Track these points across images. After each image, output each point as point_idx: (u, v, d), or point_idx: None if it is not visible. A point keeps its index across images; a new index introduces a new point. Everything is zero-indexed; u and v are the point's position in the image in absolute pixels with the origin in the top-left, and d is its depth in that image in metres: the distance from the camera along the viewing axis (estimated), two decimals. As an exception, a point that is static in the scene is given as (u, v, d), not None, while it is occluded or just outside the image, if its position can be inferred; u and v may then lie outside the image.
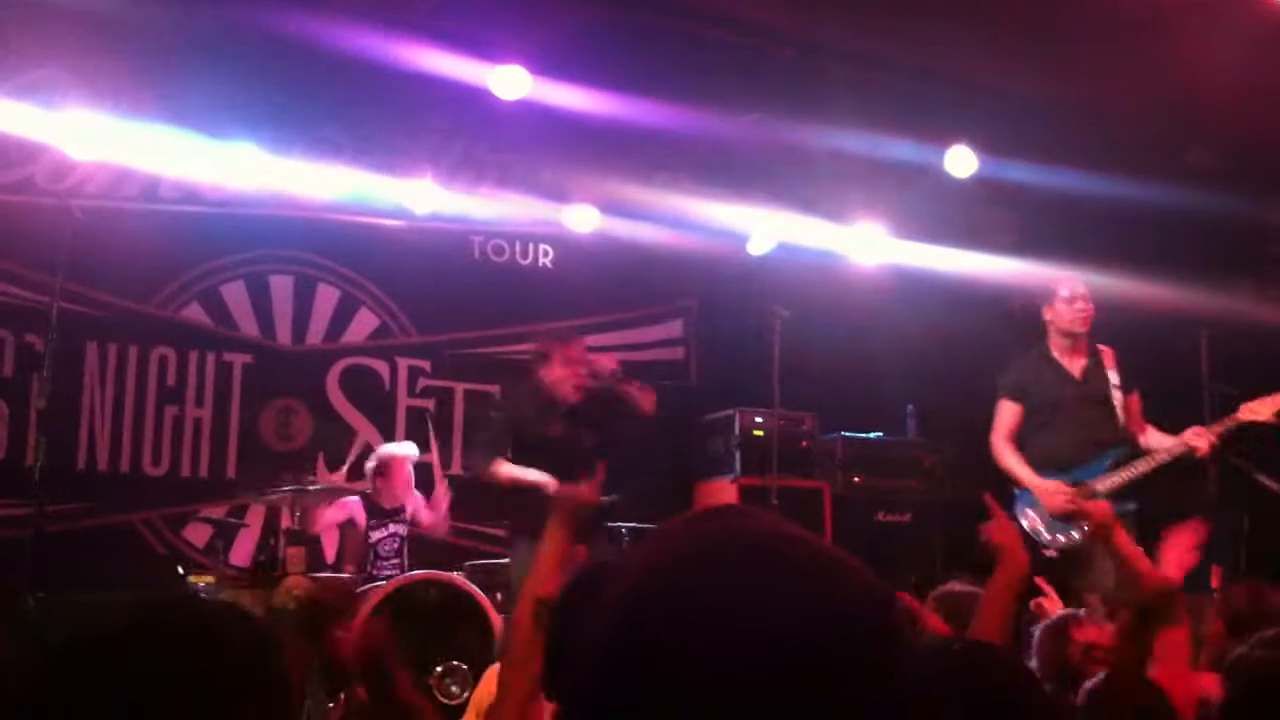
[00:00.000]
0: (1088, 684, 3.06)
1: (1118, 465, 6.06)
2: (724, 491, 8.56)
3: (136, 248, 8.30)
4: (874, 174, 8.50)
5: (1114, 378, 6.28)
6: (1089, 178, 7.86)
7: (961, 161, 8.34)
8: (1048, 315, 6.33)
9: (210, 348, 8.66)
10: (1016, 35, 6.96)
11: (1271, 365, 6.84)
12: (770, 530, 1.10)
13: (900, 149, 8.20)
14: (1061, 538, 5.99)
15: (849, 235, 9.10)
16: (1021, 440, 6.27)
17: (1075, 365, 6.31)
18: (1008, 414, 6.31)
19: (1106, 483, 6.00)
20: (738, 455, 8.58)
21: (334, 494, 7.48)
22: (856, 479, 8.85)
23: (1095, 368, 6.30)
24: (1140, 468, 6.02)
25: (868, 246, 9.11)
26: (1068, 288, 6.29)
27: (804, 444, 8.70)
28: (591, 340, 9.47)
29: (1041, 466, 6.13)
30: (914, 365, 8.93)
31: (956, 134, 8.27)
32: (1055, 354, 6.33)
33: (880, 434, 9.11)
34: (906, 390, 9.26)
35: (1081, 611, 4.18)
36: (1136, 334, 6.74)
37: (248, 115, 7.87)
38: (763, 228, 9.13)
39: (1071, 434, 6.17)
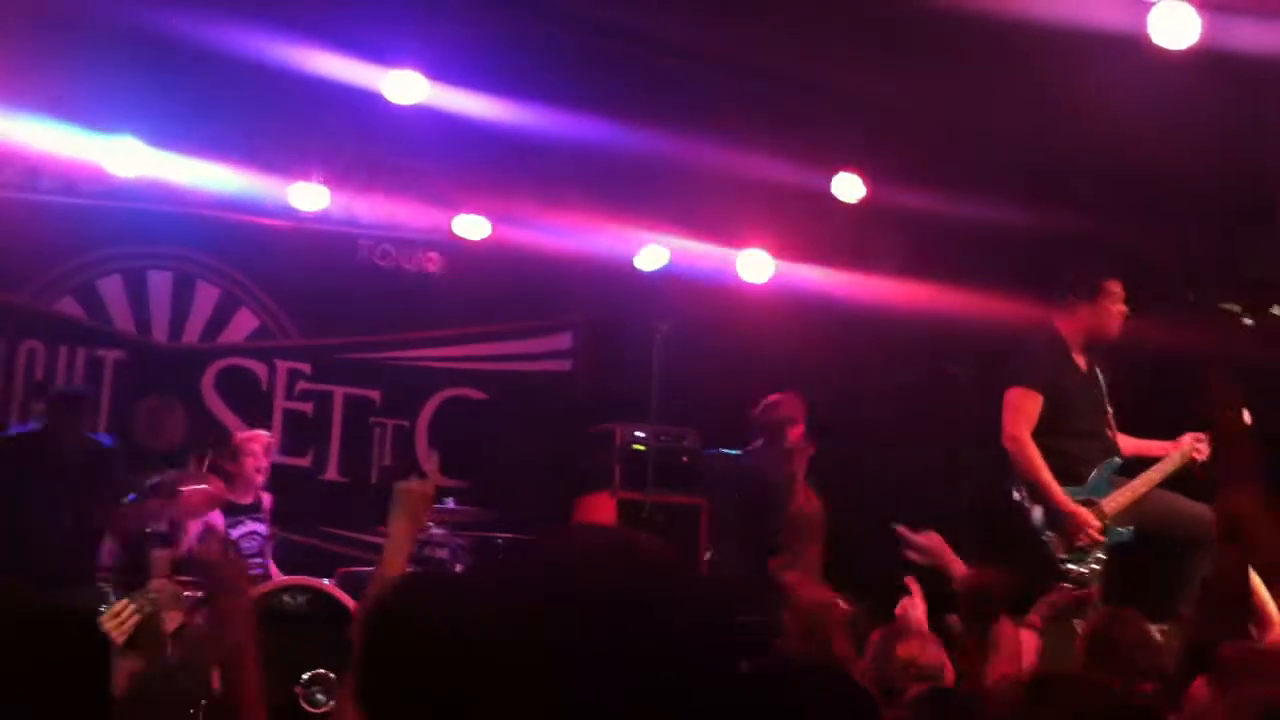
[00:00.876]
0: (909, 698, 3.12)
1: (1116, 479, 5.78)
2: (603, 505, 8.56)
3: (11, 238, 8.06)
4: (762, 195, 8.59)
5: (1103, 380, 6.03)
6: (975, 203, 8.02)
7: (849, 186, 8.46)
8: (1083, 310, 5.91)
9: (82, 343, 8.43)
10: (908, 61, 7.08)
11: (1160, 386, 6.93)
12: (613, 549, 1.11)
13: (789, 172, 8.29)
14: (1083, 570, 5.56)
15: (737, 255, 9.17)
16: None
17: (1083, 364, 5.97)
18: (1032, 408, 5.74)
19: (1112, 504, 5.69)
20: (618, 469, 8.59)
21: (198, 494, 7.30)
22: (737, 495, 8.90)
23: (1093, 368, 6.02)
24: (1140, 487, 5.75)
25: (755, 266, 9.19)
26: (1119, 286, 5.90)
27: (684, 459, 8.74)
28: (477, 350, 9.47)
29: (1060, 478, 5.68)
30: (799, 385, 9.02)
31: (845, 158, 8.39)
32: (1071, 351, 5.94)
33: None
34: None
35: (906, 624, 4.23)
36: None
37: (132, 108, 7.70)
38: (652, 244, 9.16)
39: (1085, 443, 5.83)
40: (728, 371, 9.08)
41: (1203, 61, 5.72)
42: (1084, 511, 5.58)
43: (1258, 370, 5.68)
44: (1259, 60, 4.24)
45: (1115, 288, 5.92)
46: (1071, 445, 5.79)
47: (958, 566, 3.51)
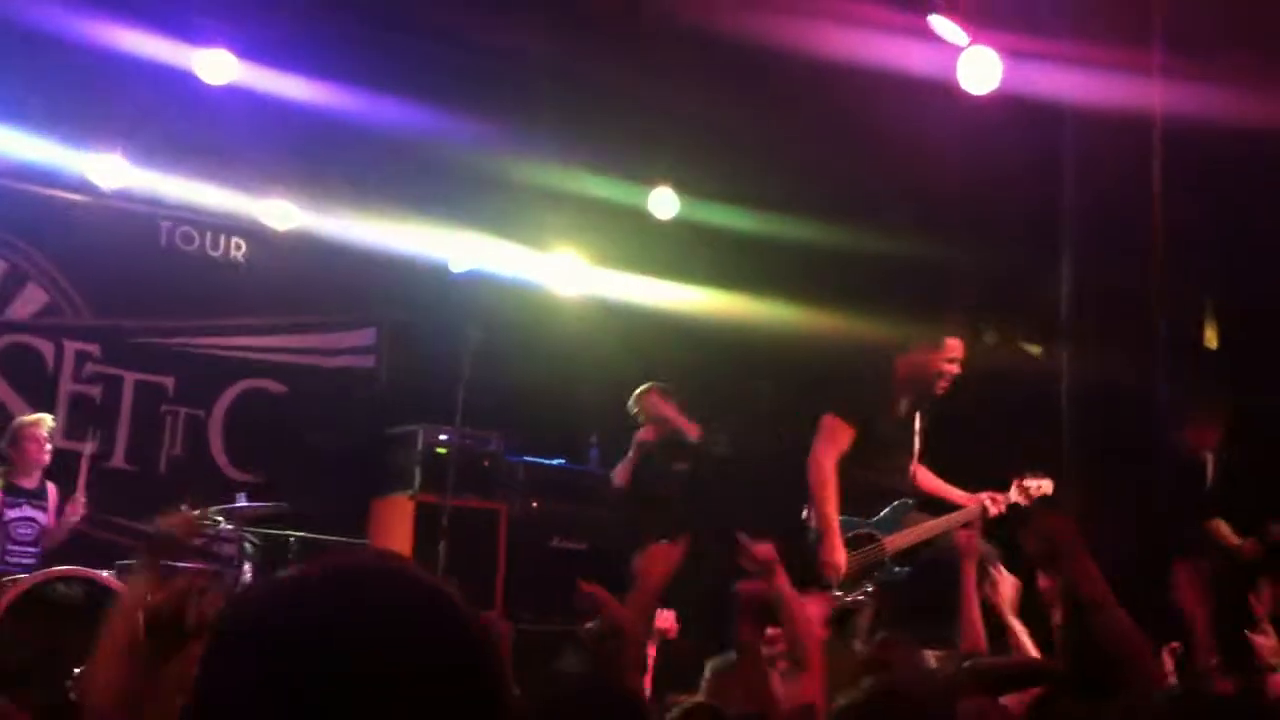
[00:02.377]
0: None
1: (909, 518, 5.94)
2: (401, 507, 8.46)
3: None
4: (578, 206, 8.63)
5: (919, 424, 6.17)
6: (789, 223, 8.21)
7: (664, 202, 8.57)
8: (921, 358, 6.02)
9: None
10: (729, 86, 7.22)
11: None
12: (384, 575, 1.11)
13: (606, 185, 8.36)
14: (850, 597, 5.70)
15: (549, 263, 9.18)
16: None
17: (904, 407, 6.11)
18: (844, 439, 5.90)
19: (895, 542, 5.87)
20: (418, 471, 8.50)
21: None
22: (535, 503, 8.90)
23: (913, 412, 6.15)
24: (927, 532, 5.88)
25: (567, 275, 9.22)
26: (955, 351, 5.99)
27: (485, 464, 8.69)
28: (279, 341, 9.23)
29: (852, 508, 5.85)
30: (607, 395, 9.08)
31: (662, 174, 8.49)
32: (897, 393, 6.07)
33: (563, 461, 9.20)
34: (596, 419, 9.39)
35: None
36: (831, 367, 6.96)
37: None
38: (465, 246, 9.09)
39: (884, 478, 5.98)
40: (537, 379, 9.08)
41: (1005, 103, 5.98)
42: (837, 554, 5.73)
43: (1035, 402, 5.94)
44: (1052, 103, 4.49)
45: (955, 346, 6.02)
46: (871, 477, 5.93)
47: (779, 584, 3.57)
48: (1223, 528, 6.66)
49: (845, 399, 6.06)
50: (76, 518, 7.09)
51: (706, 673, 4.07)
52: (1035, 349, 6.79)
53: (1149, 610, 4.16)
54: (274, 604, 1.08)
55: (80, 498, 7.09)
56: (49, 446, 7.14)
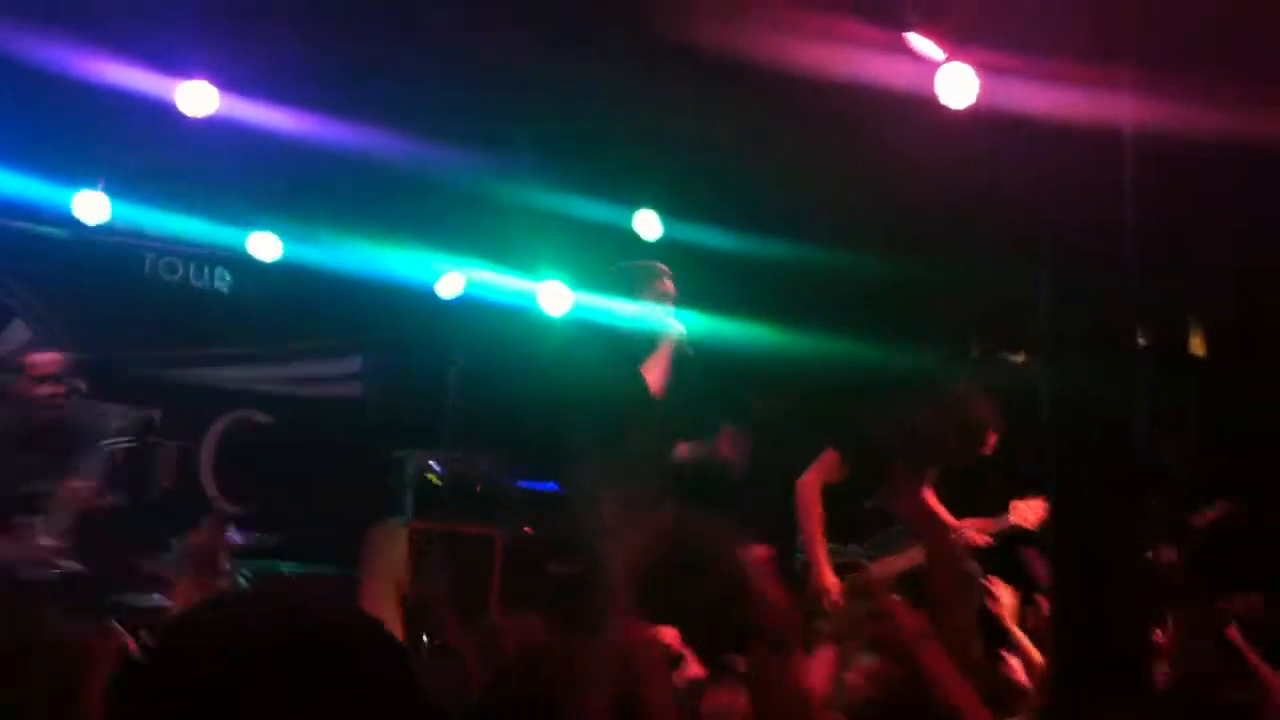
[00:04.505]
0: None
1: (894, 543, 6.02)
2: (394, 534, 8.43)
3: None
4: (563, 228, 8.63)
5: None
6: (774, 241, 8.22)
7: (648, 224, 8.58)
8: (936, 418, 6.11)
9: None
10: (713, 103, 7.24)
11: None
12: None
13: (591, 207, 8.37)
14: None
15: (537, 286, 9.18)
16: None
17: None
18: (839, 473, 6.05)
19: (883, 570, 5.97)
20: (410, 497, 8.47)
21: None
22: (528, 528, 8.87)
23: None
24: (914, 559, 5.87)
25: (555, 298, 9.21)
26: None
27: (478, 488, 8.67)
28: (266, 371, 9.22)
29: (844, 533, 5.97)
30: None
31: (645, 196, 8.50)
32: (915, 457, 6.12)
33: (556, 484, 9.18)
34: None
35: None
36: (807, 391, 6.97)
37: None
38: (452, 271, 9.09)
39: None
40: (526, 402, 9.06)
41: (982, 118, 6.01)
42: (828, 579, 5.77)
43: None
44: (1029, 118, 4.54)
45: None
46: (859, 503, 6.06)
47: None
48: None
49: (856, 447, 6.09)
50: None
51: None
52: (1019, 358, 6.81)
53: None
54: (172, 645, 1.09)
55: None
56: None
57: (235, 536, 7.41)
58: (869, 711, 3.33)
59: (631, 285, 6.14)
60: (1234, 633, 4.77)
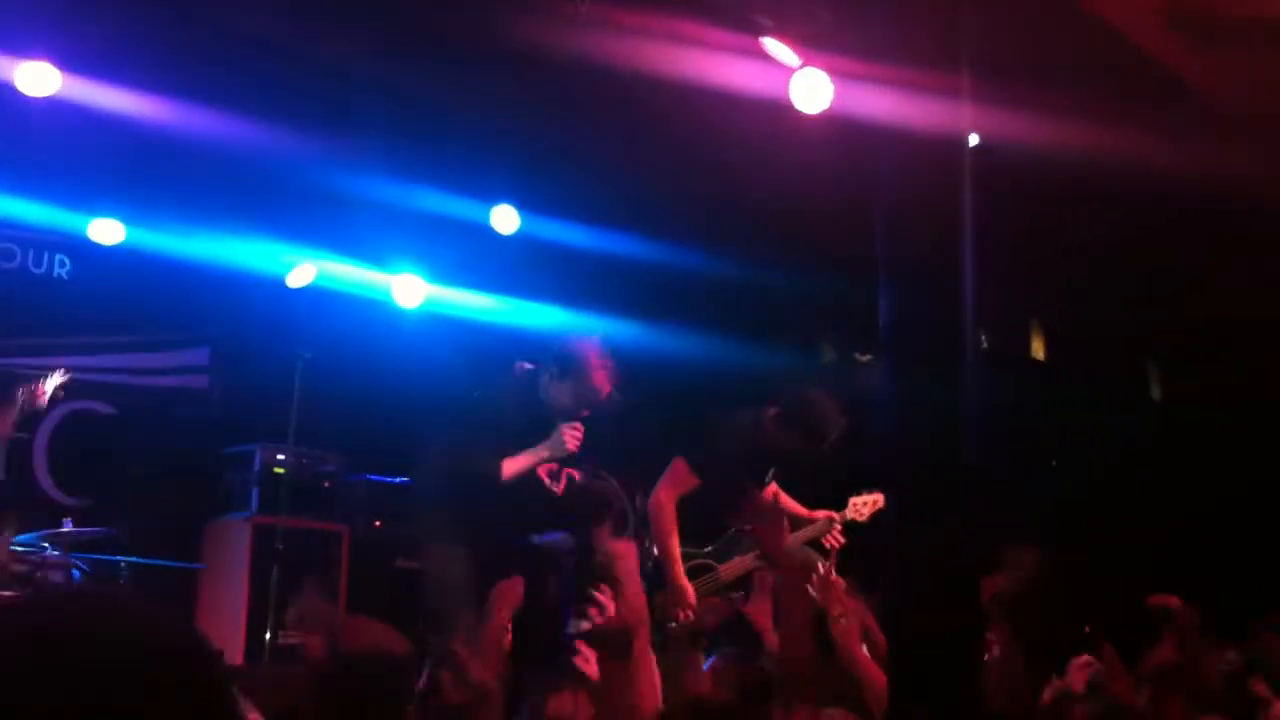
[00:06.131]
0: None
1: (738, 546, 6.13)
2: (237, 530, 8.26)
3: None
4: (417, 221, 8.56)
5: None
6: (629, 240, 8.27)
7: (506, 219, 8.56)
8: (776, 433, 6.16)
9: None
10: (566, 105, 7.25)
11: None
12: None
13: (446, 201, 8.32)
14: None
15: (389, 279, 9.07)
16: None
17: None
18: (689, 484, 6.05)
19: (732, 569, 6.08)
20: (255, 492, 8.31)
21: None
22: (378, 523, 8.77)
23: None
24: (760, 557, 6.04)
25: (408, 291, 9.12)
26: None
27: (326, 484, 8.55)
28: (107, 361, 8.93)
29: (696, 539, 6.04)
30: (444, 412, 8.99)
31: (503, 191, 8.48)
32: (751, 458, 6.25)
33: (406, 479, 9.08)
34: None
35: None
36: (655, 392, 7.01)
37: None
38: (301, 263, 8.91)
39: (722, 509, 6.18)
40: (377, 396, 8.96)
41: (835, 124, 6.12)
42: (684, 583, 5.82)
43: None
44: (875, 124, 4.62)
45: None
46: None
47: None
48: None
49: (704, 455, 6.10)
50: None
51: None
52: (867, 359, 6.99)
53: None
54: None
55: None
56: None
57: (68, 527, 7.18)
58: (717, 711, 3.37)
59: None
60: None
